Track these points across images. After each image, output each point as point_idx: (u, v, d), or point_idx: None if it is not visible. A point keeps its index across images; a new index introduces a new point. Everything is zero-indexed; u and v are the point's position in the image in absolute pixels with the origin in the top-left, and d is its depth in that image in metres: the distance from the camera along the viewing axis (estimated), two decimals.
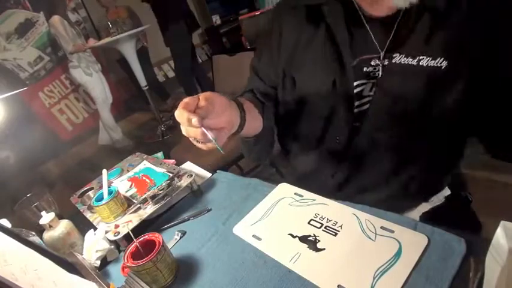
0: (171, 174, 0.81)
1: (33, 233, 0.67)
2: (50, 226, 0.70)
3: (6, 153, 2.95)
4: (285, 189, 0.73)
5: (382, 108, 0.63)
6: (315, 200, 0.67)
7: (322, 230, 0.59)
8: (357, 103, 0.66)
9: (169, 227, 0.74)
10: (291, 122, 0.78)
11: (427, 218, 0.71)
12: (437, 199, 0.74)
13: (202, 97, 0.54)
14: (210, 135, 0.52)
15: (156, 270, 0.56)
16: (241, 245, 0.62)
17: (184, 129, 0.54)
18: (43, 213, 0.73)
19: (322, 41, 0.66)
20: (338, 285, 0.49)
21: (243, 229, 0.65)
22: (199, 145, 0.57)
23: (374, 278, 0.48)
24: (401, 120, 0.63)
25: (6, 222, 0.73)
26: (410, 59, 0.58)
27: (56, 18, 2.74)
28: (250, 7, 5.36)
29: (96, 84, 3.05)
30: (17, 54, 3.73)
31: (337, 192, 0.74)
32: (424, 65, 0.57)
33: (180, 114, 0.52)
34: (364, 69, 0.63)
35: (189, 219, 0.74)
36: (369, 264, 0.50)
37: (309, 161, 0.78)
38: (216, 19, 5.28)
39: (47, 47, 3.87)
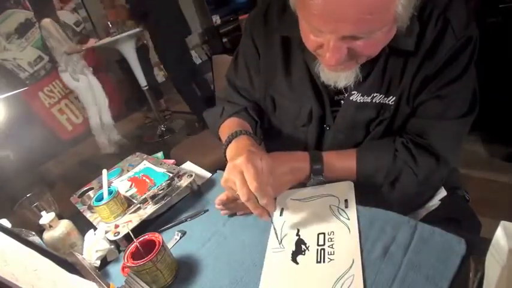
0: (171, 174, 0.81)
1: (33, 233, 0.67)
2: (50, 226, 0.70)
3: (6, 153, 2.95)
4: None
5: (340, 131, 0.70)
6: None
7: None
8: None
9: (169, 227, 0.74)
10: (272, 137, 0.82)
11: (426, 220, 0.71)
12: (432, 203, 0.74)
13: (266, 168, 0.57)
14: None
15: (156, 270, 0.56)
16: (241, 245, 0.62)
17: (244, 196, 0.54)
18: (43, 213, 0.73)
19: (300, 69, 0.70)
20: None
21: (284, 197, 0.66)
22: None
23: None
24: (354, 140, 0.69)
25: (6, 222, 0.73)
26: (366, 97, 0.65)
27: (47, 20, 2.73)
28: (250, 7, 5.36)
29: (83, 89, 2.95)
30: (17, 54, 3.74)
31: None
32: (377, 101, 0.64)
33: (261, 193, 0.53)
34: (335, 97, 0.70)
35: (186, 221, 0.74)
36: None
37: None
38: (216, 19, 5.27)
39: (47, 47, 3.87)
